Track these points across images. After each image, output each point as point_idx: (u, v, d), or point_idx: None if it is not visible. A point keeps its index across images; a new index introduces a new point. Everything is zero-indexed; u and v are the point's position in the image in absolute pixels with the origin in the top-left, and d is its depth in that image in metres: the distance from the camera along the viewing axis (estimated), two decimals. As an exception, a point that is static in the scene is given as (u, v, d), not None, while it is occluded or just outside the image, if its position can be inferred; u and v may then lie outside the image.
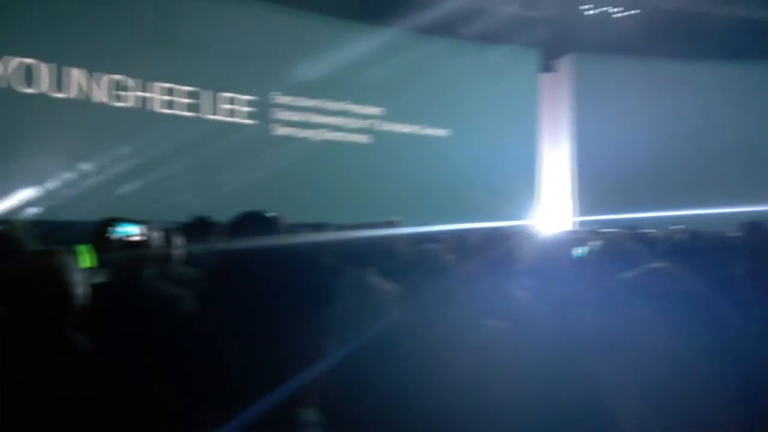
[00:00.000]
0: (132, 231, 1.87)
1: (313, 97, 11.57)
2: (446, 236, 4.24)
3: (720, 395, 0.73)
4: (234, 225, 1.54)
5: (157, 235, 2.11)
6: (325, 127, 11.78)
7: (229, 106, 10.63)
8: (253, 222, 1.49)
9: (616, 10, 12.80)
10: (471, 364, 1.63)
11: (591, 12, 12.85)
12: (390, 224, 3.91)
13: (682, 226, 4.29)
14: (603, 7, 12.75)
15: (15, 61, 8.35)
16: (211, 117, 10.38)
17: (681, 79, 13.79)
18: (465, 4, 12.22)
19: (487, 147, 12.54)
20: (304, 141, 11.45)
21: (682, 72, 13.86)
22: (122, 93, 9.41)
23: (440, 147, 12.63)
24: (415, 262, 1.79)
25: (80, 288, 1.50)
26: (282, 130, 11.32)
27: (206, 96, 10.31)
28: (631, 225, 4.69)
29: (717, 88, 13.94)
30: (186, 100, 10.08)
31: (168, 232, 2.64)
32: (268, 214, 1.56)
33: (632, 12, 12.83)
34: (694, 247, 2.89)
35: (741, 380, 0.73)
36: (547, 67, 14.57)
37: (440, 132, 12.86)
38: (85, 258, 1.77)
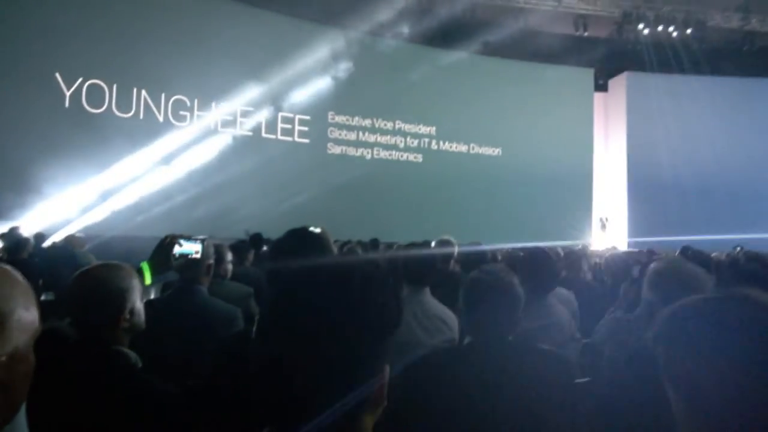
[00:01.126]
0: (193, 249, 1.87)
1: (368, 116, 11.68)
2: (502, 255, 4.14)
3: None
4: (278, 242, 1.50)
5: (211, 252, 2.12)
6: (379, 145, 11.84)
7: (288, 126, 10.83)
8: (297, 238, 1.45)
9: (670, 29, 12.38)
10: (525, 389, 1.53)
11: (645, 32, 12.46)
12: (445, 243, 3.84)
13: (741, 248, 4.05)
14: (657, 26, 12.35)
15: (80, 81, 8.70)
16: (271, 136, 10.59)
17: (736, 97, 13.20)
18: (522, 26, 12.12)
19: (542, 166, 12.35)
20: (359, 159, 11.53)
21: (737, 89, 13.27)
22: (182, 113, 9.71)
23: (495, 166, 12.49)
24: (478, 282, 1.70)
25: (139, 304, 1.51)
26: (337, 149, 11.45)
27: (268, 116, 10.53)
28: (685, 247, 4.44)
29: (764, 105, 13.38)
30: (246, 120, 10.33)
31: (219, 248, 2.65)
32: (313, 230, 1.51)
33: (686, 31, 12.38)
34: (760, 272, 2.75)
35: None
36: (601, 87, 14.23)
37: (494, 151, 12.70)
38: (147, 275, 1.77)
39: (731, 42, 12.93)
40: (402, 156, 12.00)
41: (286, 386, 0.66)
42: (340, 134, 11.47)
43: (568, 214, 11.83)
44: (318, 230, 1.54)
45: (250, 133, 10.37)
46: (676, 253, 4.71)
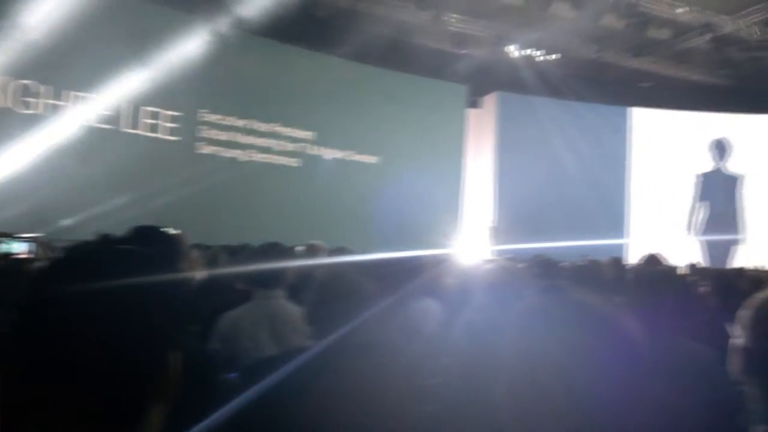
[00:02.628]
0: (19, 249, 1.70)
1: (243, 117, 11.37)
2: (369, 262, 4.22)
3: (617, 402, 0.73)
4: (121, 241, 1.37)
5: (46, 253, 1.94)
6: (254, 147, 11.57)
7: (152, 121, 10.23)
8: (144, 239, 1.35)
9: (538, 53, 13.46)
10: (366, 391, 1.57)
11: (515, 54, 13.44)
12: (312, 248, 3.85)
13: (588, 256, 4.56)
14: (526, 49, 13.39)
15: None
16: (132, 131, 9.93)
17: (590, 121, 14.74)
18: (399, 37, 12.51)
19: (414, 176, 12.68)
20: (231, 161, 11.19)
21: (591, 114, 14.83)
22: (32, 100, 8.85)
23: (369, 173, 12.72)
24: (328, 287, 1.71)
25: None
26: (208, 149, 11.02)
27: (126, 109, 9.86)
28: (541, 254, 4.87)
29: (617, 131, 15.16)
30: (104, 113, 9.60)
31: (44, 247, 2.44)
32: (165, 231, 1.42)
33: (552, 56, 13.55)
34: (594, 274, 3.16)
35: (640, 390, 0.73)
36: (474, 103, 15.09)
37: (370, 159, 12.93)
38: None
39: (589, 71, 14.33)
40: (278, 159, 11.83)
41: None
42: (211, 133, 11.05)
43: (440, 224, 12.33)
44: (174, 232, 1.47)
45: (109, 126, 9.64)
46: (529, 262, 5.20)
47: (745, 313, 1.17)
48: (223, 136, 11.18)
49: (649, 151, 15.50)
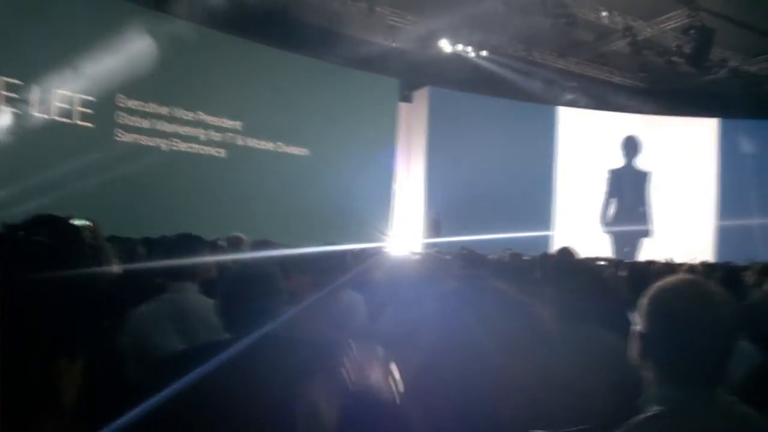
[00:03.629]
0: None
1: (165, 104, 10.96)
2: (295, 256, 4.18)
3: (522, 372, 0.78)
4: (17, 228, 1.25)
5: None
6: (178, 136, 11.17)
7: (65, 106, 9.66)
8: (42, 228, 1.26)
9: (470, 49, 13.74)
10: (277, 379, 1.56)
11: (448, 49, 13.65)
12: (233, 241, 3.77)
13: (510, 249, 4.77)
14: (458, 45, 13.62)
15: None
16: (43, 116, 9.35)
17: (517, 119, 15.26)
18: (332, 28, 12.42)
19: (348, 169, 12.72)
20: (153, 150, 10.76)
21: (518, 112, 15.36)
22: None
23: (299, 166, 12.58)
24: (239, 280, 1.69)
25: None
26: (127, 137, 10.55)
27: (37, 93, 9.27)
28: (466, 247, 5.02)
29: (544, 128, 15.83)
30: (13, 95, 8.99)
31: None
32: (66, 221, 1.33)
33: (481, 53, 13.86)
34: (512, 264, 3.34)
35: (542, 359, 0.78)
36: (407, 98, 15.22)
37: (301, 151, 12.80)
38: None
39: (518, 69, 14.76)
40: (203, 149, 11.49)
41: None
42: (131, 121, 10.58)
43: (371, 218, 12.40)
44: (84, 223, 1.38)
45: (18, 111, 9.05)
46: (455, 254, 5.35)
47: (642, 301, 1.25)
48: (145, 123, 10.73)
49: (574, 148, 16.24)
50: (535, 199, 15.32)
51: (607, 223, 16.28)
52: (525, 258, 4.88)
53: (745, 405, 1.21)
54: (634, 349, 1.27)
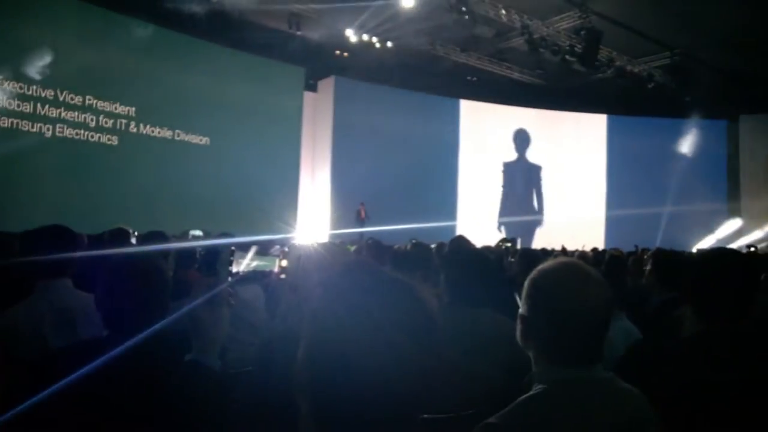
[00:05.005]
0: None
1: (50, 86, 10.13)
2: (191, 249, 4.02)
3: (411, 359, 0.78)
4: None
5: None
6: (64, 122, 10.37)
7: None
8: None
9: (375, 39, 13.78)
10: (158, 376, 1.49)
11: (353, 39, 13.62)
12: (120, 233, 3.54)
13: (415, 240, 4.87)
14: (364, 35, 13.63)
15: None
16: None
17: (421, 110, 15.60)
18: (234, 14, 11.99)
19: (251, 159, 12.44)
20: (36, 136, 9.93)
21: (422, 104, 15.68)
22: None
23: (199, 155, 12.11)
24: (122, 273, 1.60)
25: None
26: (6, 122, 9.67)
27: None
28: (372, 237, 5.06)
29: (449, 120, 16.33)
30: None
31: None
32: None
33: (388, 44, 13.96)
34: (414, 253, 3.44)
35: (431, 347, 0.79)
36: (312, 86, 15.07)
37: (201, 140, 12.33)
38: None
39: (422, 61, 15.03)
40: (93, 136, 10.75)
41: None
42: (10, 104, 9.70)
43: (275, 208, 12.20)
44: None
45: None
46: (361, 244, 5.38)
47: (525, 285, 1.30)
48: (26, 107, 9.88)
49: (476, 140, 16.83)
50: (441, 189, 15.79)
51: (501, 213, 17.08)
52: (428, 247, 4.98)
53: (624, 381, 1.27)
54: (518, 331, 1.32)
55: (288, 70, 13.83)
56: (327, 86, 15.08)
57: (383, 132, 14.73)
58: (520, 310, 1.30)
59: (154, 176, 10.97)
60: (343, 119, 14.62)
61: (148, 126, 11.46)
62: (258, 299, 3.09)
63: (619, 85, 15.56)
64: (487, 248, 6.03)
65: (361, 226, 12.82)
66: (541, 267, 1.30)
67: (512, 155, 17.54)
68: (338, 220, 13.39)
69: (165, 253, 3.01)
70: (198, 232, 7.65)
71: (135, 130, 11.27)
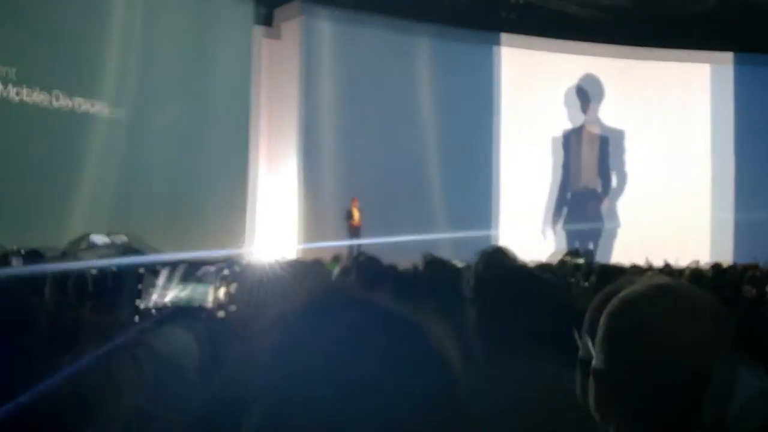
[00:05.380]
0: None
1: None
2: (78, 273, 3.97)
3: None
4: None
5: None
6: None
7: None
8: None
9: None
10: None
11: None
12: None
13: (429, 254, 4.81)
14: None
15: None
16: None
17: (431, 52, 15.41)
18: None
19: (176, 135, 12.59)
20: None
21: (434, 41, 15.48)
22: None
23: (111, 128, 12.18)
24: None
25: None
26: None
27: None
28: (363, 253, 5.08)
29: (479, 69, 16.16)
30: None
31: None
32: None
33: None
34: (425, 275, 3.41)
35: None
36: (270, 33, 14.93)
37: (107, 110, 12.37)
38: None
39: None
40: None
41: None
42: None
43: (217, 209, 12.29)
44: None
45: None
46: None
47: (600, 322, 1.26)
48: None
49: (523, 100, 16.50)
50: (471, 178, 15.55)
51: (559, 210, 16.85)
52: (452, 266, 4.92)
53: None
54: (590, 397, 1.30)
55: (233, 5, 13.84)
56: (291, 29, 14.99)
57: (381, 93, 14.63)
58: (594, 362, 1.27)
59: (37, 159, 11.01)
60: (319, 76, 14.53)
61: (32, 92, 11.48)
62: (186, 353, 3.05)
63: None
64: (544, 266, 6.00)
65: (354, 235, 12.77)
66: (626, 294, 1.26)
67: (576, 119, 17.24)
68: (314, 227, 13.32)
69: (37, 282, 2.96)
70: (102, 239, 7.66)
71: (15, 97, 11.30)
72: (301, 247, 12.78)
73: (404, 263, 5.17)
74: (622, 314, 1.24)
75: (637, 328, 1.21)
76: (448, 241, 9.68)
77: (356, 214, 13.11)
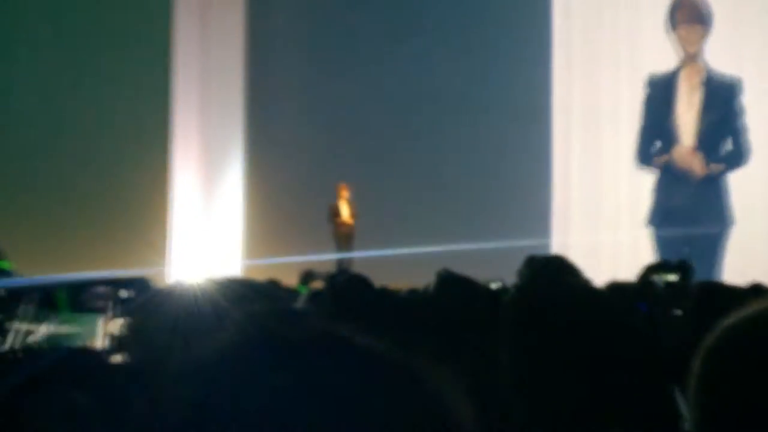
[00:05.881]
0: None
1: None
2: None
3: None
4: None
5: None
6: None
7: None
8: None
9: None
10: None
11: None
12: None
13: (448, 270, 4.81)
14: None
15: None
16: None
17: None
18: None
19: (69, 117, 13.13)
20: None
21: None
22: None
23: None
24: None
25: None
26: None
27: None
28: (347, 271, 5.14)
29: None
30: None
31: None
32: None
33: None
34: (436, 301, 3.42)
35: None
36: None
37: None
38: None
39: None
40: None
41: None
42: None
43: (126, 213, 12.43)
44: None
45: None
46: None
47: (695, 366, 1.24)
48: None
49: (585, 49, 16.83)
50: (514, 161, 15.67)
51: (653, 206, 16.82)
52: (479, 288, 4.93)
53: None
54: None
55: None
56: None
57: (362, 44, 14.88)
58: (687, 427, 1.27)
59: None
60: (268, 30, 15.17)
61: None
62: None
63: None
64: (617, 286, 6.01)
65: (343, 240, 12.80)
66: (734, 322, 1.22)
67: (667, 62, 17.26)
68: (271, 231, 13.39)
69: None
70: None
71: None
72: (248, 261, 12.86)
73: (406, 284, 5.19)
74: (733, 349, 1.22)
75: (749, 372, 1.17)
76: (472, 252, 9.72)
77: (345, 209, 13.01)
